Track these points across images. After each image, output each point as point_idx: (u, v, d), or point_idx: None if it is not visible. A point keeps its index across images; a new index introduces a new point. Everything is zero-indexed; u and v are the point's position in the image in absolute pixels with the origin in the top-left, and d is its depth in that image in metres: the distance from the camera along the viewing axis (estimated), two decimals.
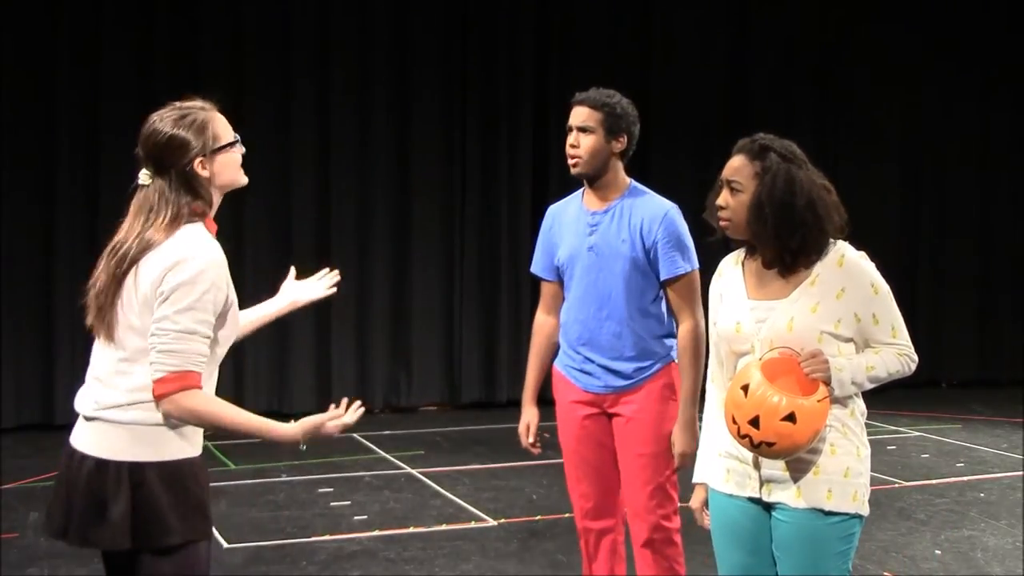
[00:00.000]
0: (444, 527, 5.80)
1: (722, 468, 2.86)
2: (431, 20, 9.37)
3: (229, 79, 8.56)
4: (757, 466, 2.78)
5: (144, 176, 2.65)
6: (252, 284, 8.71)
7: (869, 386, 2.75)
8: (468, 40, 9.49)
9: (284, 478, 6.70)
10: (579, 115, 3.70)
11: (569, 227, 3.79)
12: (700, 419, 3.21)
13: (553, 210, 3.92)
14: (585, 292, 3.73)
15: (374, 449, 7.67)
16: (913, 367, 2.79)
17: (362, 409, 2.72)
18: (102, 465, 2.55)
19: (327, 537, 5.59)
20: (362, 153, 9.20)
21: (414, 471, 7.05)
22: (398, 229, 9.36)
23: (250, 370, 8.74)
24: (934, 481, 6.86)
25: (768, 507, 2.79)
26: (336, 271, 3.22)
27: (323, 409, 2.77)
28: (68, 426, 2.71)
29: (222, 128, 2.68)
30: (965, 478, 6.94)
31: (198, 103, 2.69)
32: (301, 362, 8.99)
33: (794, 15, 10.25)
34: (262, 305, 3.13)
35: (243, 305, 2.84)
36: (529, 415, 3.91)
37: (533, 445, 3.90)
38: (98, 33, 8.44)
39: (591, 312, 3.73)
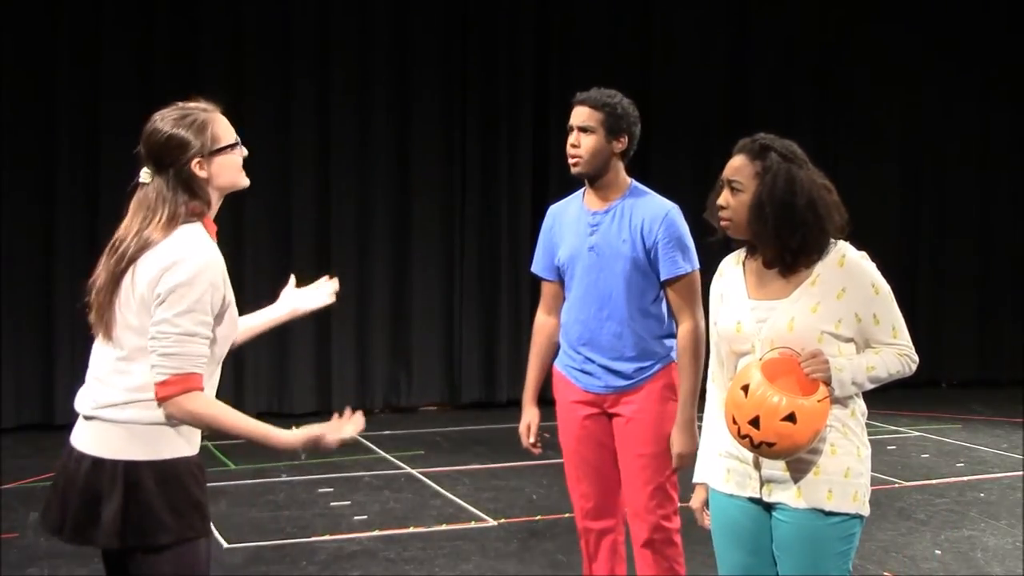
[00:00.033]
0: (444, 527, 5.80)
1: (722, 468, 2.86)
2: (431, 20, 9.37)
3: (229, 79, 8.57)
4: (757, 466, 2.78)
5: (144, 174, 2.65)
6: (252, 284, 8.73)
7: (870, 386, 2.75)
8: (468, 40, 9.49)
9: (284, 478, 6.70)
10: (580, 115, 3.70)
11: (570, 227, 3.79)
12: (700, 419, 3.20)
13: (554, 210, 3.92)
14: (586, 292, 3.73)
15: (374, 449, 7.67)
16: (914, 367, 2.79)
17: (363, 421, 2.71)
18: (98, 464, 2.56)
19: (327, 537, 5.59)
20: (362, 153, 9.21)
21: (414, 471, 7.05)
22: (398, 229, 9.36)
23: (250, 370, 8.74)
24: (934, 481, 6.86)
25: (768, 507, 2.79)
26: (336, 279, 3.20)
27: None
28: (68, 426, 2.72)
29: (223, 130, 2.67)
30: (965, 478, 6.94)
31: (201, 104, 2.69)
32: (301, 362, 8.99)
33: (794, 15, 10.25)
34: (262, 312, 3.13)
35: (242, 308, 2.84)
36: (530, 415, 3.91)
37: (534, 445, 3.90)
38: (98, 33, 8.44)
39: (592, 312, 3.72)
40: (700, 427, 3.09)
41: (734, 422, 2.66)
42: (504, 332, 9.54)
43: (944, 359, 10.59)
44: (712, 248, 3.01)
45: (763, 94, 10.24)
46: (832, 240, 2.78)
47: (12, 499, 6.28)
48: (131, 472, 2.53)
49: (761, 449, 2.65)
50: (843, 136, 10.53)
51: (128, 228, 2.63)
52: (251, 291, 8.67)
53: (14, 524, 5.75)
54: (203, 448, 2.69)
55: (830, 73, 10.51)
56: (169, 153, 2.62)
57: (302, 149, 9.01)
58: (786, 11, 10.21)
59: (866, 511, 2.78)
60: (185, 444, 2.60)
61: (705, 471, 2.95)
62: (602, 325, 3.71)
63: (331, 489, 6.46)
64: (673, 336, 3.75)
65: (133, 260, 2.58)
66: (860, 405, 2.81)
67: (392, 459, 7.40)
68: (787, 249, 2.75)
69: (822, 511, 2.72)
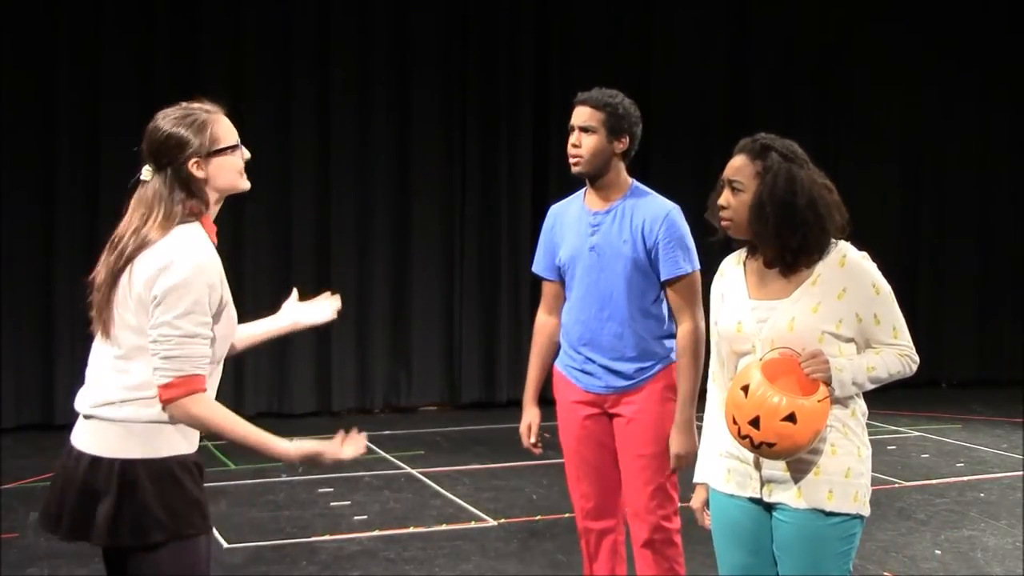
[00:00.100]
0: (444, 527, 5.80)
1: (723, 468, 2.86)
2: (431, 20, 9.37)
3: (229, 79, 8.57)
4: (758, 466, 2.77)
5: (145, 172, 2.66)
6: (252, 284, 8.74)
7: (870, 387, 2.75)
8: (468, 40, 9.49)
9: (284, 478, 6.70)
10: (581, 115, 3.69)
11: (571, 227, 3.79)
12: (699, 420, 3.20)
13: (555, 210, 3.92)
14: (586, 292, 3.73)
15: (374, 449, 7.67)
16: (914, 368, 2.79)
17: (362, 444, 2.71)
18: (95, 462, 2.57)
19: (327, 537, 5.59)
20: (362, 153, 9.21)
21: (414, 471, 7.05)
22: (398, 229, 9.36)
23: (250, 370, 8.74)
24: (934, 481, 6.86)
25: (769, 507, 2.79)
26: (338, 295, 3.20)
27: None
28: (68, 426, 2.72)
29: (223, 131, 2.67)
30: (965, 478, 6.94)
31: (205, 105, 2.69)
32: (301, 362, 8.99)
33: (794, 15, 10.26)
34: (263, 321, 3.13)
35: (243, 308, 2.84)
36: (530, 415, 3.90)
37: (535, 445, 3.90)
38: (98, 33, 8.44)
39: (592, 312, 3.72)
40: (699, 427, 3.08)
41: (734, 422, 2.66)
42: (504, 332, 9.54)
43: (944, 359, 10.59)
44: (713, 248, 3.01)
45: (763, 94, 10.24)
46: (833, 240, 2.78)
47: (12, 499, 6.28)
48: (127, 470, 2.54)
49: (761, 449, 2.65)
50: (843, 136, 10.54)
51: (127, 225, 2.64)
52: (251, 291, 8.68)
53: (14, 524, 5.74)
54: (203, 448, 2.69)
55: (830, 73, 10.51)
56: (168, 151, 2.62)
57: (302, 149, 9.01)
58: (786, 11, 10.21)
59: (867, 511, 2.77)
60: (183, 442, 2.60)
61: (705, 471, 2.95)
62: (603, 325, 3.71)
63: (331, 489, 6.46)
64: (674, 336, 3.75)
65: (131, 259, 2.59)
66: (861, 405, 2.81)
67: (392, 459, 7.40)
68: (788, 249, 2.75)
69: (823, 511, 2.72)
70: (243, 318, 2.93)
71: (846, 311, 2.73)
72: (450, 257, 9.52)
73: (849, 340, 2.75)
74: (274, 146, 8.72)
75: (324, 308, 3.17)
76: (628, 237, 3.66)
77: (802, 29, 10.34)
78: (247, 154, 2.73)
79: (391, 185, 9.32)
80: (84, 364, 2.71)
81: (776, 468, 2.75)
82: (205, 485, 2.68)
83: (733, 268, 2.91)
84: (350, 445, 2.69)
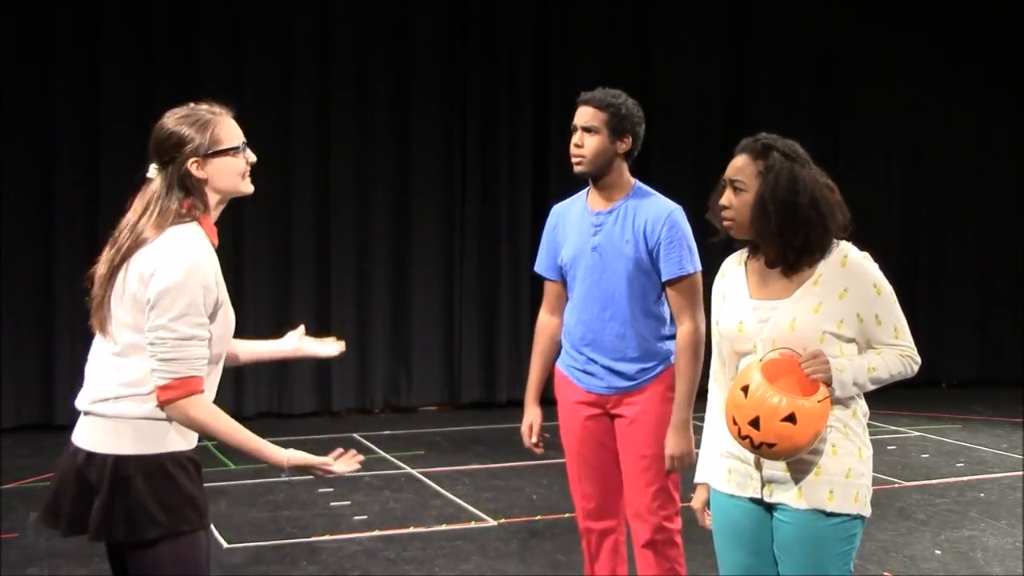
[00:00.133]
0: (444, 527, 5.80)
1: (724, 468, 2.86)
2: (431, 20, 9.37)
3: (229, 79, 8.56)
4: (759, 467, 2.77)
5: (151, 170, 2.67)
6: (252, 285, 8.75)
7: (871, 387, 2.74)
8: (468, 40, 9.49)
9: (284, 478, 6.65)
10: (584, 115, 3.69)
11: (573, 227, 3.79)
12: (698, 421, 3.20)
13: (557, 209, 3.91)
14: (588, 292, 3.73)
15: (374, 449, 7.67)
16: (916, 368, 2.79)
17: (356, 464, 2.72)
18: (91, 458, 2.59)
19: (327, 537, 5.59)
20: (362, 153, 9.21)
21: (414, 471, 7.05)
22: (398, 229, 9.36)
23: (250, 370, 8.71)
24: (934, 481, 6.86)
25: (770, 508, 2.79)
26: (343, 341, 3.22)
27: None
28: (68, 426, 2.73)
29: (226, 132, 2.67)
30: (965, 478, 6.94)
31: (213, 106, 2.70)
32: (301, 362, 8.97)
33: (794, 15, 10.25)
34: (268, 343, 3.13)
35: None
36: (532, 415, 3.90)
37: (536, 445, 3.90)
38: (98, 33, 8.44)
39: (594, 313, 3.72)
40: (699, 427, 3.08)
41: (734, 423, 2.66)
42: (504, 332, 9.54)
43: (944, 359, 10.59)
44: (714, 249, 3.01)
45: (763, 94, 10.24)
46: (834, 240, 2.78)
47: (12, 499, 6.28)
48: (121, 466, 2.55)
49: (761, 450, 2.65)
50: (843, 136, 10.54)
51: (127, 222, 2.65)
52: (251, 292, 8.70)
53: (14, 524, 5.74)
54: (203, 448, 2.70)
55: (830, 73, 10.52)
56: (169, 150, 2.63)
57: (302, 149, 9.01)
58: (786, 11, 10.21)
59: (867, 512, 2.77)
60: (178, 439, 2.60)
61: (706, 471, 2.95)
62: (605, 326, 3.70)
63: (331, 489, 6.46)
64: (675, 337, 3.75)
65: (127, 256, 2.60)
66: (862, 406, 2.81)
67: (392, 459, 7.40)
68: (790, 248, 2.75)
69: (823, 512, 2.72)
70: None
71: (847, 311, 2.73)
72: (450, 257, 9.52)
73: (850, 340, 2.75)
74: (274, 146, 8.72)
75: (329, 346, 3.17)
76: (630, 237, 3.66)
77: (802, 29, 10.34)
78: (252, 157, 2.73)
79: (391, 185, 9.32)
80: (84, 364, 2.72)
81: (777, 468, 2.75)
82: (205, 485, 2.69)
83: (734, 268, 2.91)
84: (343, 463, 2.71)
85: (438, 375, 9.53)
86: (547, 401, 3.89)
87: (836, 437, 2.73)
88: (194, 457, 2.64)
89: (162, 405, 2.55)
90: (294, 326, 3.19)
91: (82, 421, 2.65)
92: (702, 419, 3.03)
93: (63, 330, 8.24)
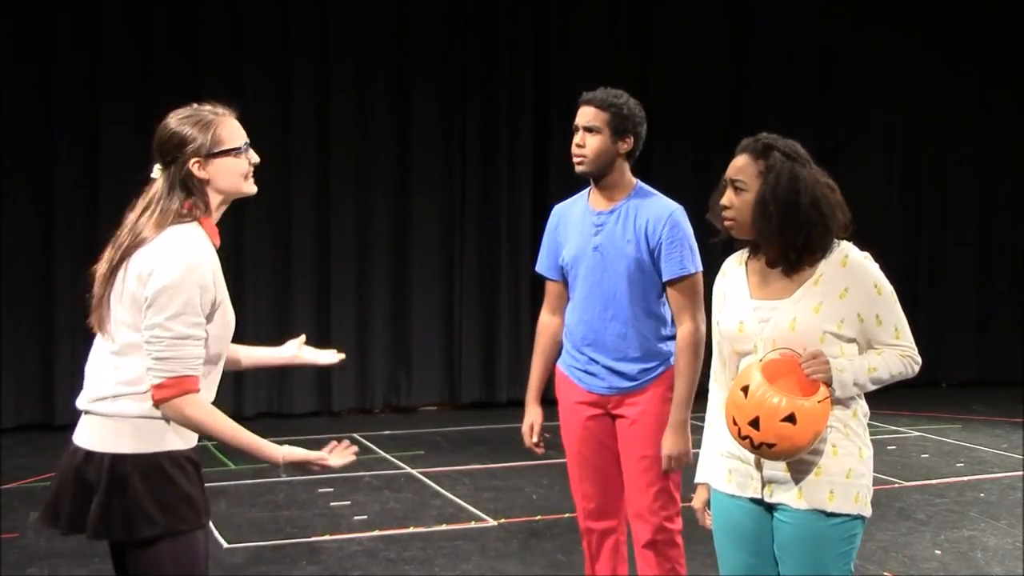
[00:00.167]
0: (444, 527, 5.80)
1: (724, 468, 2.86)
2: (431, 20, 9.38)
3: (229, 79, 8.57)
4: (759, 467, 2.77)
5: (154, 170, 2.68)
6: (252, 285, 8.75)
7: (871, 387, 2.74)
8: (468, 40, 9.49)
9: (284, 478, 6.69)
10: (586, 115, 3.69)
11: (575, 227, 3.78)
12: (698, 421, 3.20)
13: (559, 209, 3.91)
14: (590, 292, 3.73)
15: (374, 449, 7.67)
16: (916, 369, 2.79)
17: (352, 456, 2.72)
18: (89, 456, 2.60)
19: (327, 537, 5.59)
20: (362, 153, 9.21)
21: (414, 471, 7.05)
22: (398, 229, 9.36)
23: (250, 371, 8.73)
24: (934, 481, 6.86)
25: (770, 508, 2.79)
26: (343, 355, 3.22)
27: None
28: (68, 426, 2.73)
29: (228, 133, 2.68)
30: (965, 478, 6.94)
31: (216, 107, 2.71)
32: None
33: (794, 15, 10.25)
34: (266, 349, 3.15)
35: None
36: (533, 415, 3.90)
37: (537, 445, 3.89)
38: (98, 33, 8.44)
39: (596, 312, 3.72)
40: (699, 427, 3.08)
41: (734, 423, 2.66)
42: (504, 332, 9.55)
43: (944, 359, 10.60)
44: (715, 249, 3.01)
45: (763, 94, 10.25)
46: (835, 240, 2.78)
47: (12, 499, 6.28)
48: (118, 465, 2.56)
49: (761, 450, 2.65)
50: (843, 136, 10.55)
51: (128, 221, 2.66)
52: (251, 292, 8.69)
53: (14, 524, 5.74)
54: (203, 448, 2.70)
55: (830, 73, 10.52)
56: (171, 150, 2.64)
57: (302, 149, 9.01)
58: (786, 11, 10.21)
59: (868, 512, 2.77)
60: (175, 438, 2.61)
61: (707, 471, 2.95)
62: (606, 325, 3.70)
63: (331, 489, 6.46)
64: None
65: (126, 255, 2.61)
66: (862, 406, 2.81)
67: (392, 459, 7.40)
68: (791, 247, 2.74)
69: (824, 512, 2.71)
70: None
71: (848, 311, 2.73)
72: (450, 257, 9.52)
73: (851, 340, 2.74)
74: (274, 146, 8.72)
75: (328, 354, 3.17)
76: (632, 237, 3.66)
77: (802, 29, 10.34)
78: (255, 158, 2.73)
79: (391, 185, 9.32)
80: (84, 364, 2.73)
81: (777, 468, 2.74)
82: (205, 485, 2.69)
83: (735, 268, 2.91)
84: (339, 456, 2.71)
85: (438, 375, 9.54)
86: (547, 401, 3.89)
87: (836, 437, 2.73)
88: (193, 457, 2.65)
89: (157, 404, 2.55)
90: (295, 334, 3.21)
91: (82, 420, 2.66)
92: (702, 419, 3.03)
93: (63, 330, 8.25)
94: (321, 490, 6.45)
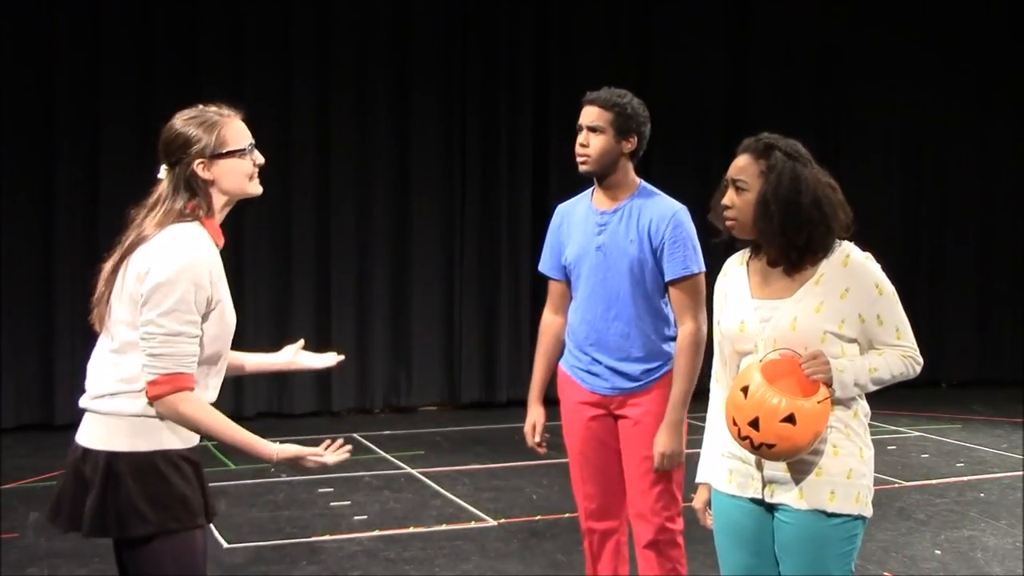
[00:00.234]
0: (444, 527, 5.80)
1: (725, 469, 2.86)
2: (431, 20, 9.38)
3: (229, 79, 8.56)
4: (760, 467, 2.77)
5: (161, 171, 2.69)
6: (252, 285, 8.74)
7: (872, 388, 2.74)
8: (468, 40, 9.49)
9: (284, 478, 6.69)
10: (589, 114, 3.69)
11: (578, 226, 3.78)
12: (698, 421, 3.20)
13: (562, 209, 3.91)
14: (592, 292, 3.73)
15: (374, 449, 7.67)
16: (918, 369, 2.78)
17: (346, 454, 2.73)
18: (87, 454, 2.61)
19: (327, 537, 5.59)
20: (362, 153, 9.21)
21: (414, 471, 7.05)
22: (398, 229, 9.36)
23: None
24: (934, 481, 6.86)
25: (771, 508, 2.79)
26: (342, 356, 3.22)
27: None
28: (68, 426, 2.74)
29: (233, 134, 2.68)
30: (965, 478, 6.94)
31: (222, 108, 2.71)
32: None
33: (794, 15, 10.25)
34: (263, 355, 3.15)
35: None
36: (535, 414, 3.89)
37: (539, 445, 3.89)
38: (98, 33, 8.44)
39: (599, 312, 3.72)
40: (701, 427, 3.08)
41: (734, 423, 2.66)
42: (504, 332, 9.55)
43: (944, 359, 10.59)
44: (716, 249, 3.01)
45: (763, 94, 10.25)
46: (837, 240, 2.78)
47: (12, 499, 6.28)
48: (113, 463, 2.57)
49: (761, 451, 2.65)
50: (843, 136, 10.55)
51: (133, 221, 2.67)
52: (251, 292, 8.69)
53: (14, 524, 5.74)
54: (203, 448, 2.70)
55: (830, 73, 10.52)
56: (176, 151, 2.65)
57: (302, 149, 9.01)
58: (786, 11, 10.21)
59: (869, 512, 2.77)
60: (172, 437, 2.61)
61: (708, 471, 2.95)
62: (609, 325, 3.70)
63: (331, 489, 6.46)
64: None
65: (127, 254, 2.63)
66: (863, 406, 2.80)
67: (392, 459, 7.40)
68: (793, 247, 2.74)
69: (824, 512, 2.71)
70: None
71: (848, 311, 2.73)
72: (450, 257, 9.52)
73: (852, 340, 2.74)
74: (274, 146, 8.71)
75: (327, 358, 3.17)
76: (635, 237, 3.66)
77: (802, 29, 10.34)
78: (260, 159, 2.74)
79: (391, 185, 9.32)
80: (84, 364, 2.74)
81: (778, 469, 2.74)
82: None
83: (736, 268, 2.91)
84: (333, 454, 2.71)
85: (438, 375, 9.54)
86: (549, 401, 3.88)
87: (837, 438, 2.73)
88: (190, 456, 2.64)
89: (151, 400, 2.56)
90: (295, 335, 3.21)
91: (83, 417, 2.67)
92: (702, 419, 3.03)
93: (63, 330, 8.24)
94: (321, 490, 6.45)
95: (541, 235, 3.97)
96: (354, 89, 9.15)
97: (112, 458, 2.56)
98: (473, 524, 5.86)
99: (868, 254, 2.80)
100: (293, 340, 3.20)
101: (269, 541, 5.53)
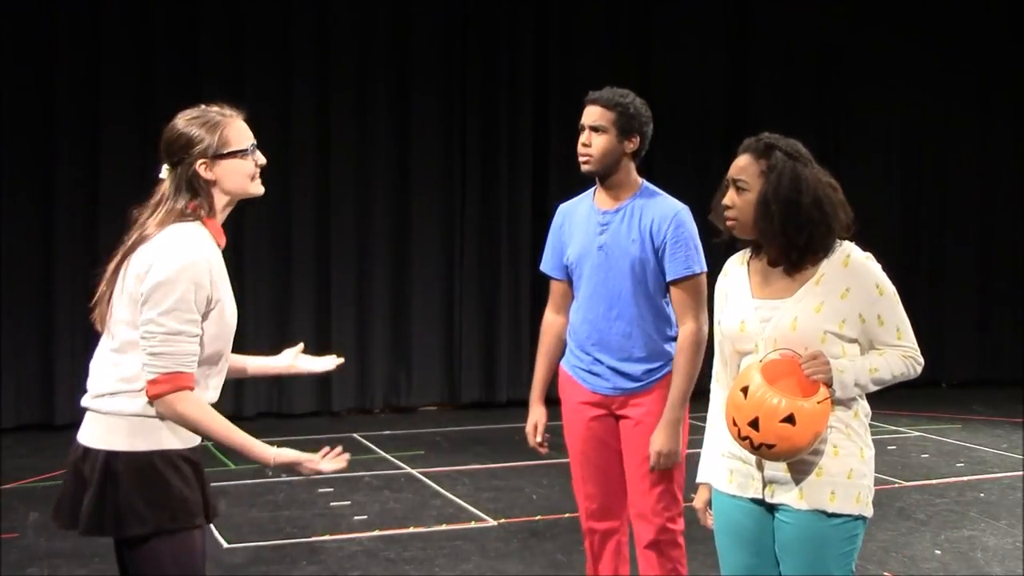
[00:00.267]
0: (444, 527, 5.79)
1: (725, 469, 2.86)
2: (431, 20, 9.38)
3: (229, 79, 8.56)
4: (760, 467, 2.77)
5: (163, 171, 2.69)
6: (252, 285, 8.74)
7: (873, 388, 2.74)
8: (468, 40, 9.49)
9: (284, 478, 6.69)
10: (592, 114, 3.69)
11: (580, 226, 3.78)
12: (698, 421, 3.20)
13: (564, 208, 3.91)
14: (594, 291, 3.72)
15: (374, 449, 7.67)
16: (919, 369, 2.78)
17: (343, 463, 2.73)
18: (86, 452, 2.62)
19: (327, 537, 5.59)
20: (362, 153, 9.21)
21: (414, 471, 7.05)
22: (398, 229, 9.36)
23: None
24: (934, 481, 6.86)
25: (771, 508, 2.79)
26: (342, 359, 3.21)
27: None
28: (68, 426, 2.75)
29: (235, 134, 2.69)
30: (965, 478, 6.94)
31: (224, 108, 2.72)
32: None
33: (794, 15, 10.25)
34: (263, 359, 3.15)
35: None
36: (537, 414, 3.89)
37: (540, 445, 3.89)
38: (98, 33, 8.44)
39: (600, 312, 3.71)
40: (702, 427, 3.08)
41: (734, 424, 2.66)
42: (504, 332, 9.55)
43: (944, 359, 10.59)
44: (717, 250, 3.00)
45: (763, 94, 10.25)
46: (838, 240, 2.78)
47: (12, 499, 6.27)
48: (110, 462, 2.57)
49: (761, 451, 2.64)
50: (843, 136, 10.55)
51: (135, 221, 2.68)
52: (251, 292, 8.69)
53: (14, 524, 5.74)
54: (203, 448, 2.70)
55: (830, 73, 10.52)
56: (178, 151, 2.66)
57: (302, 149, 9.01)
58: (786, 11, 10.21)
59: (869, 512, 2.77)
60: (170, 437, 2.61)
61: (708, 471, 2.95)
62: (611, 325, 3.70)
63: (331, 489, 6.46)
64: None
65: (128, 253, 2.63)
66: (864, 406, 2.80)
67: (392, 459, 7.40)
68: (793, 247, 2.74)
69: (825, 512, 2.71)
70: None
71: (849, 311, 2.73)
72: (450, 257, 9.52)
73: (853, 341, 2.74)
74: (274, 146, 8.71)
75: (326, 361, 3.18)
76: (636, 236, 3.66)
77: (802, 29, 10.34)
78: (262, 160, 2.75)
79: (391, 185, 9.32)
80: (84, 364, 2.75)
81: (778, 469, 2.74)
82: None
83: (737, 267, 2.91)
84: (330, 461, 2.71)
85: (438, 375, 9.54)
86: (550, 401, 3.88)
87: (838, 438, 2.73)
88: (190, 456, 2.64)
89: (151, 399, 2.56)
90: (295, 335, 3.21)
91: (85, 417, 2.68)
92: (702, 419, 3.03)
93: (63, 330, 8.24)
94: (321, 490, 6.45)
95: (541, 235, 3.97)
96: (354, 89, 9.15)
97: (111, 457, 2.57)
98: (473, 524, 5.86)
99: (869, 254, 2.80)
100: (293, 341, 3.20)
101: (269, 541, 5.53)
